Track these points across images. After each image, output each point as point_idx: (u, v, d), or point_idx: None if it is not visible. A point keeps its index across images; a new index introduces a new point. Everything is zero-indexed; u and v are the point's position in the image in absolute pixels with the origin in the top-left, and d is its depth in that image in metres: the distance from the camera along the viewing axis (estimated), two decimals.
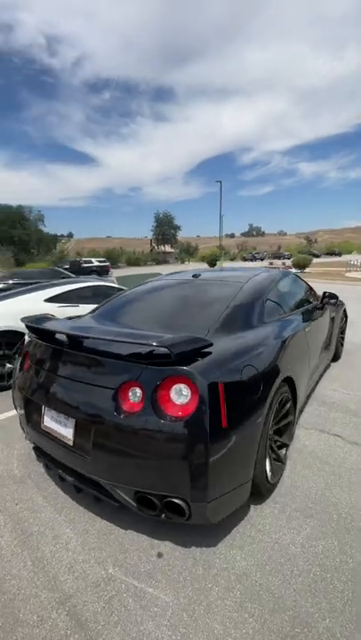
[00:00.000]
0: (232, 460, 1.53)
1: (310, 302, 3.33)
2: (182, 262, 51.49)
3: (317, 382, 3.55)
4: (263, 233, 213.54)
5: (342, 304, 4.36)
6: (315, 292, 3.58)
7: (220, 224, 33.98)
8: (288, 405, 2.17)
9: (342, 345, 4.57)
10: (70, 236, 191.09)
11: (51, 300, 4.39)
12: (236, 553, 1.63)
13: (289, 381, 2.18)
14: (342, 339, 4.59)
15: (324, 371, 3.89)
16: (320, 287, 12.76)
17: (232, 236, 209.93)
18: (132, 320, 2.44)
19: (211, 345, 1.65)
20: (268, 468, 1.88)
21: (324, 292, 3.52)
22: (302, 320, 2.77)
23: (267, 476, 1.85)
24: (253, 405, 1.66)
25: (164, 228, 58.80)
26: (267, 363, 1.89)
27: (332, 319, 3.84)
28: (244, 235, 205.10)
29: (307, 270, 22.64)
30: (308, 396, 3.22)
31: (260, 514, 1.87)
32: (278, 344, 2.11)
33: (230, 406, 1.49)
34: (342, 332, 4.57)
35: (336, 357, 4.24)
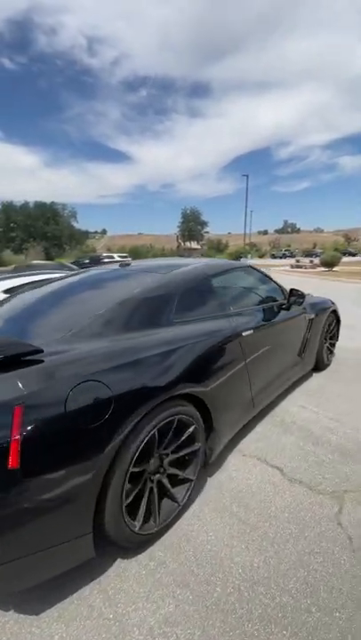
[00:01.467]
0: (34, 511, 1.11)
1: (268, 301, 2.78)
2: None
3: (284, 396, 2.99)
4: (298, 230, 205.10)
5: (329, 306, 3.70)
6: (284, 290, 3.00)
7: (246, 220, 32.93)
8: (191, 430, 1.70)
9: (332, 352, 3.91)
10: (104, 232, 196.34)
11: (9, 291, 4.18)
12: (59, 628, 1.22)
13: (195, 399, 1.71)
14: (332, 345, 3.93)
15: (300, 382, 3.30)
16: (344, 287, 11.47)
17: (265, 232, 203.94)
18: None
19: (37, 352, 1.25)
20: (139, 511, 1.45)
21: (291, 290, 2.93)
22: (245, 321, 2.26)
23: (129, 526, 1.41)
24: (93, 433, 1.23)
25: (191, 225, 58.24)
26: (140, 374, 1.44)
27: (311, 322, 3.23)
28: (277, 231, 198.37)
29: (335, 269, 21.11)
30: (264, 413, 2.69)
31: (122, 573, 1.44)
32: (176, 351, 1.65)
33: (32, 438, 1.08)
34: (332, 337, 3.91)
35: (319, 367, 3.60)
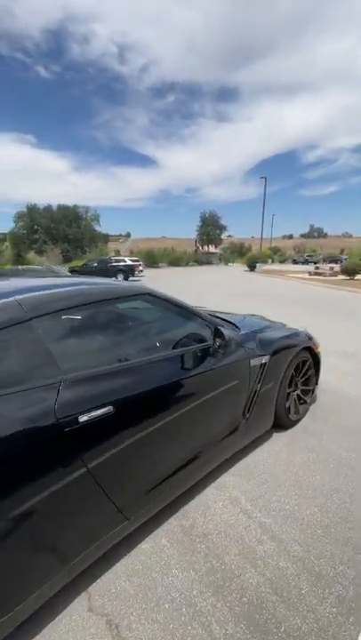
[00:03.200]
0: None
1: (180, 345, 1.87)
2: (226, 264, 49.58)
3: (211, 478, 2.08)
4: (325, 234, 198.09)
5: (297, 343, 2.71)
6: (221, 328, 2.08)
7: (264, 223, 31.46)
8: None
9: (305, 402, 2.92)
10: (128, 235, 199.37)
11: None
12: None
13: None
14: (306, 393, 2.94)
15: (245, 452, 2.36)
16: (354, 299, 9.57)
17: (290, 237, 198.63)
18: None
19: None
20: None
21: (216, 329, 1.97)
22: (92, 393, 1.38)
23: None
24: None
25: (209, 228, 57.19)
26: None
27: (263, 368, 2.29)
28: (303, 236, 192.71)
29: (358, 277, 19.41)
30: (161, 518, 1.80)
31: None
32: None
33: None
34: (306, 381, 2.92)
35: (282, 424, 2.64)
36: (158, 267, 39.87)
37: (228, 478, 2.15)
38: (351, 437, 2.65)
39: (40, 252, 47.65)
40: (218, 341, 1.88)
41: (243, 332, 2.39)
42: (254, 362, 2.22)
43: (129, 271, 20.37)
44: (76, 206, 58.49)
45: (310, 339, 2.95)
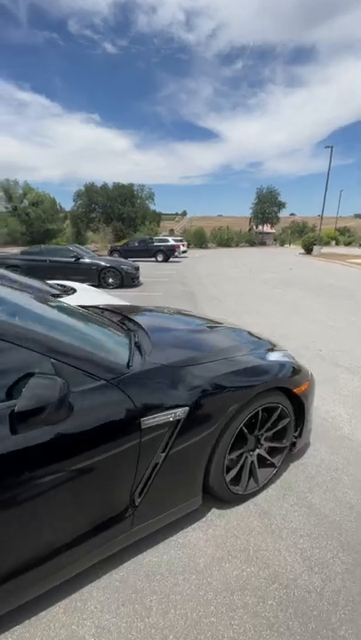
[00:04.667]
0: None
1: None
2: (282, 245, 45.54)
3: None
4: None
5: (264, 380, 1.76)
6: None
7: (325, 199, 27.75)
8: None
9: (274, 466, 1.99)
10: (184, 214, 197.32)
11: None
12: None
13: None
14: (274, 453, 1.99)
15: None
16: None
17: None
18: None
19: None
20: None
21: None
22: None
23: None
24: None
25: (266, 206, 52.61)
26: None
27: (175, 427, 1.44)
28: None
29: None
30: None
31: None
32: None
33: None
34: (278, 435, 1.96)
35: (222, 497, 1.78)
36: (207, 247, 38.42)
37: (91, 593, 1.41)
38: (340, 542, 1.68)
39: (95, 231, 49.31)
40: (33, 397, 1.07)
41: (152, 361, 1.53)
42: (153, 420, 1.37)
43: (169, 251, 19.65)
44: (131, 184, 58.84)
45: (294, 373, 1.96)
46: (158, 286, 10.17)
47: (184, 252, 23.96)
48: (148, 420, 1.35)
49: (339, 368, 3.93)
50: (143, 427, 1.34)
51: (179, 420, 1.45)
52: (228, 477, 1.74)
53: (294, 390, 1.93)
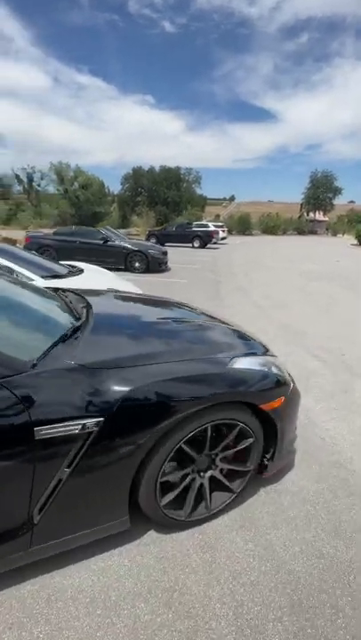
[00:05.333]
0: None
1: None
2: (335, 234, 41.83)
3: None
4: None
5: (215, 391, 1.43)
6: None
7: None
8: None
9: (229, 490, 1.67)
10: (232, 199, 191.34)
11: None
12: None
13: None
14: (233, 477, 1.67)
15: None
16: None
17: None
18: None
19: None
20: None
21: None
22: None
23: None
24: None
25: (319, 191, 48.33)
26: None
27: (86, 440, 1.21)
28: None
29: None
30: None
31: None
32: None
33: None
34: (239, 457, 1.64)
35: (161, 522, 1.53)
36: (251, 234, 36.81)
37: None
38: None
39: (140, 215, 49.77)
40: None
41: (69, 360, 1.29)
42: (52, 431, 1.15)
43: (207, 237, 19.05)
44: (178, 168, 58.05)
45: (265, 385, 1.61)
46: (185, 273, 9.86)
47: (223, 238, 23.10)
48: (46, 431, 1.13)
49: (359, 380, 3.38)
50: (38, 437, 1.13)
51: (90, 433, 1.21)
52: (165, 501, 1.48)
53: (261, 406, 1.59)
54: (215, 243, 20.45)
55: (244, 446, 1.64)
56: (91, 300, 2.13)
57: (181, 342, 1.72)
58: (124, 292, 3.48)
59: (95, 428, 1.21)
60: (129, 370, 1.35)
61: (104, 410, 1.22)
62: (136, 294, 2.84)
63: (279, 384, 1.69)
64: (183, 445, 1.43)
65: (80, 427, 1.18)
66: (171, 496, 1.49)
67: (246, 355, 1.77)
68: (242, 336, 2.10)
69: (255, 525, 1.67)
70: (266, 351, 1.95)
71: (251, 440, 1.63)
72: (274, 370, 1.76)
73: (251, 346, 1.95)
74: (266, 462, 1.78)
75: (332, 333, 4.72)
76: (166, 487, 1.50)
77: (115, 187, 59.91)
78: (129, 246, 9.28)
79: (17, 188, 49.07)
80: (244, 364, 1.64)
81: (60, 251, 9.03)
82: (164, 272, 9.67)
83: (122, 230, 32.35)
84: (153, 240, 19.28)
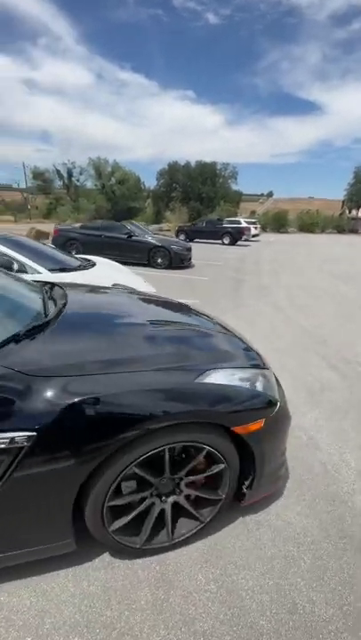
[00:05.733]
0: None
1: None
2: None
3: None
4: None
5: (180, 410, 1.25)
6: None
7: None
8: None
9: (196, 518, 1.48)
10: (270, 195, 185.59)
11: None
12: None
13: None
14: (201, 504, 1.48)
15: None
16: None
17: None
18: None
19: None
20: None
21: None
22: None
23: None
24: None
25: None
26: None
27: (16, 456, 1.09)
28: None
29: None
30: None
31: None
32: None
33: None
34: (212, 483, 1.45)
35: (112, 547, 1.39)
36: (287, 232, 35.31)
37: None
38: None
39: (173, 210, 49.76)
40: None
41: (4, 365, 1.17)
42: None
43: (237, 234, 18.50)
44: (214, 163, 57.21)
45: (239, 405, 1.40)
46: (209, 270, 9.59)
47: (255, 235, 22.33)
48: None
49: None
50: None
51: (21, 448, 1.08)
52: (115, 526, 1.32)
53: (234, 429, 1.38)
54: (247, 240, 19.84)
55: (214, 472, 1.44)
56: (73, 296, 2.02)
57: (154, 348, 1.55)
58: (125, 289, 3.36)
59: (26, 443, 1.08)
60: (74, 379, 1.20)
61: (38, 423, 1.09)
62: (135, 292, 2.69)
63: (261, 404, 1.47)
64: (135, 468, 1.27)
65: (8, 441, 1.06)
66: (122, 521, 1.34)
67: (228, 367, 1.55)
68: (233, 345, 1.88)
69: (223, 562, 1.47)
70: (257, 364, 1.72)
71: (221, 466, 1.43)
72: (258, 386, 1.53)
73: (239, 357, 1.73)
74: (244, 490, 1.57)
75: (355, 341, 4.28)
76: (119, 510, 1.34)
77: (151, 182, 60.30)
78: (152, 241, 9.19)
79: (58, 183, 51.02)
80: (217, 377, 1.43)
81: (85, 244, 9.17)
82: (187, 268, 9.48)
83: (154, 226, 32.45)
84: (182, 236, 19.09)
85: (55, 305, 1.78)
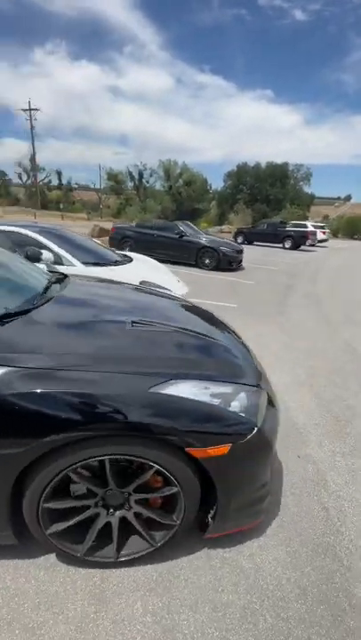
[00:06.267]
0: None
1: None
2: None
3: None
4: None
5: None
6: None
7: None
8: None
9: (150, 545, 1.34)
10: (348, 198, 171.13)
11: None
12: None
13: None
14: (156, 527, 1.33)
15: None
16: None
17: None
18: None
19: None
20: None
21: None
22: None
23: None
24: None
25: None
26: None
27: None
28: None
29: None
30: None
31: None
32: None
33: None
34: (166, 507, 1.30)
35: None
36: (359, 238, 32.07)
37: None
38: None
39: (236, 212, 48.96)
40: None
41: None
42: None
43: (300, 238, 17.36)
44: (285, 164, 54.74)
45: (198, 423, 1.23)
46: (259, 274, 9.14)
47: (323, 240, 20.69)
48: None
49: None
50: None
51: None
52: (53, 529, 1.27)
53: (189, 451, 1.21)
54: (312, 245, 18.51)
55: (165, 494, 1.29)
56: (71, 290, 2.04)
57: (116, 349, 1.45)
58: (149, 287, 3.32)
59: None
60: (13, 370, 1.16)
61: None
62: (147, 290, 2.62)
63: (228, 427, 1.27)
64: (73, 475, 1.19)
65: None
66: (61, 526, 1.28)
67: (202, 379, 1.38)
68: (227, 357, 1.69)
69: (169, 595, 1.32)
70: (245, 382, 1.49)
71: (174, 489, 1.27)
72: (235, 406, 1.33)
73: (225, 369, 1.54)
74: (208, 520, 1.39)
75: None
76: (61, 514, 1.28)
77: (219, 184, 59.90)
78: (200, 241, 9.09)
79: (129, 184, 53.91)
80: (182, 389, 1.28)
81: (138, 242, 9.47)
82: (236, 271, 9.17)
83: (216, 227, 32.15)
84: (240, 238, 18.60)
85: (43, 296, 1.79)
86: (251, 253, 13.94)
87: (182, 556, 1.46)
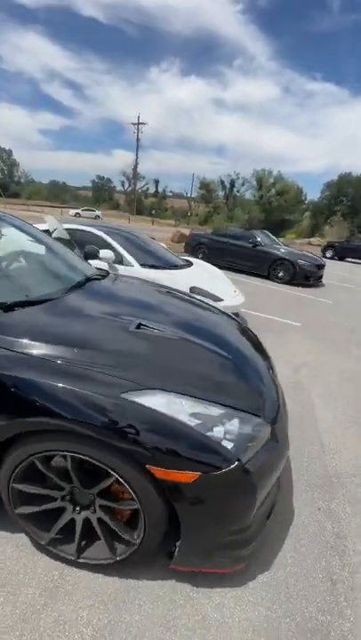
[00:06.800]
0: None
1: None
2: None
3: None
4: None
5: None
6: None
7: None
8: None
9: (109, 555, 1.28)
10: None
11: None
12: None
13: None
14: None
15: None
16: None
17: None
18: None
19: None
20: None
21: None
22: None
23: None
24: None
25: None
26: None
27: None
28: None
29: None
30: None
31: None
32: None
33: None
34: (129, 524, 1.23)
35: None
36: None
37: None
38: None
39: (332, 225, 45.13)
40: None
41: None
42: None
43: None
44: None
45: (161, 447, 1.12)
46: (340, 293, 8.18)
47: None
48: None
49: None
50: None
51: None
52: (22, 510, 1.32)
53: (148, 467, 1.12)
54: None
55: (128, 508, 1.22)
56: (100, 286, 2.14)
57: (111, 349, 1.43)
58: (199, 295, 3.24)
59: None
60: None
61: None
62: (181, 296, 2.53)
63: (198, 453, 1.14)
64: (38, 463, 1.22)
65: None
66: (29, 509, 1.32)
67: (186, 395, 1.27)
68: (227, 374, 1.55)
69: (117, 616, 1.23)
70: (245, 409, 1.32)
71: (134, 505, 1.19)
72: (216, 432, 1.19)
73: (222, 391, 1.39)
74: (174, 549, 1.27)
75: None
76: (32, 498, 1.33)
77: (317, 195, 56.18)
78: (276, 252, 8.58)
79: (220, 193, 54.63)
80: (157, 401, 1.19)
81: (211, 250, 9.49)
82: (313, 287, 8.38)
83: (304, 239, 30.14)
84: (330, 253, 17.05)
85: (73, 290, 1.90)
86: (337, 269, 12.62)
87: (146, 579, 1.36)
